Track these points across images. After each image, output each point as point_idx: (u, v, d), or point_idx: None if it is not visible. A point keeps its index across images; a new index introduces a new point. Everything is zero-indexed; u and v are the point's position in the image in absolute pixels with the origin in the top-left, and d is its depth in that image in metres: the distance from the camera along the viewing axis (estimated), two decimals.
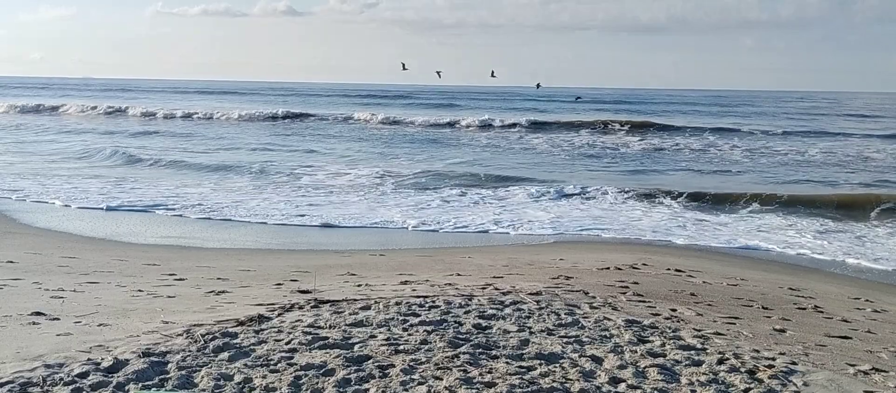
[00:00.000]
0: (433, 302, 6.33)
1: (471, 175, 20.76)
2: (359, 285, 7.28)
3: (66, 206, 15.18)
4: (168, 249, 11.13)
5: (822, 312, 7.20)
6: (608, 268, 9.01)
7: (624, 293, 7.16)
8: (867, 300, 8.31)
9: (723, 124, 39.53)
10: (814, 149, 28.95)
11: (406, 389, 4.36)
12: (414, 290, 6.93)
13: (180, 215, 14.37)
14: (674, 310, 6.57)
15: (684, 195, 17.76)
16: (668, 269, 9.25)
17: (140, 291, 7.00)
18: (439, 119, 41.63)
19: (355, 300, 6.38)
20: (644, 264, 9.55)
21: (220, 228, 13.18)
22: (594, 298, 6.82)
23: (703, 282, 8.41)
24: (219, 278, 8.00)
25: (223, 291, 6.95)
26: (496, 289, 6.99)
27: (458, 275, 8.26)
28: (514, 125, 38.56)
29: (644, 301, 6.85)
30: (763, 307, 7.11)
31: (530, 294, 6.76)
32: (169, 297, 6.69)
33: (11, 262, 8.83)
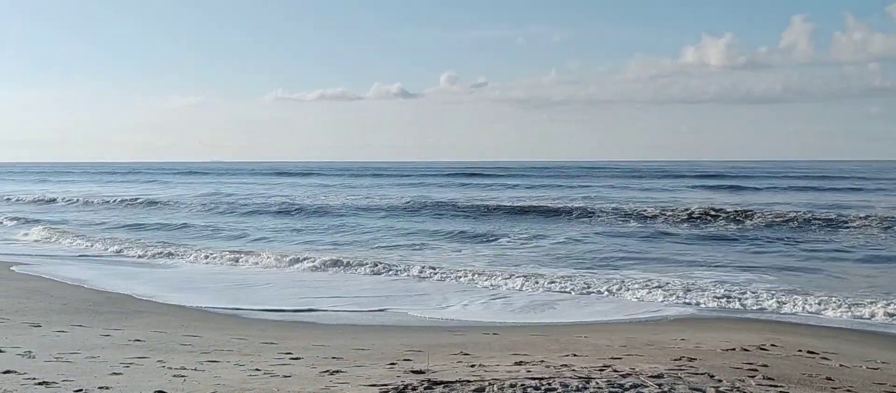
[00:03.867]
0: (549, 384, 6.11)
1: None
2: (472, 366, 7.14)
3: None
4: (284, 326, 11.33)
5: None
6: (734, 349, 8.55)
7: (752, 376, 6.73)
8: None
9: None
10: None
11: None
12: (528, 371, 6.73)
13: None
14: None
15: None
16: (800, 350, 8.69)
17: (257, 370, 7.08)
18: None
19: (469, 381, 6.24)
20: (773, 345, 9.01)
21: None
22: (720, 381, 6.43)
23: (840, 365, 7.83)
24: (334, 357, 8.03)
25: (337, 371, 6.94)
26: (615, 371, 6.71)
27: (575, 355, 8.00)
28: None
29: (775, 385, 6.41)
30: None
31: (651, 377, 6.45)
32: (285, 376, 6.73)
33: (138, 340, 9.15)
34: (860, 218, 25.86)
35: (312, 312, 13.01)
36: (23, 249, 22.63)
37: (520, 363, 7.24)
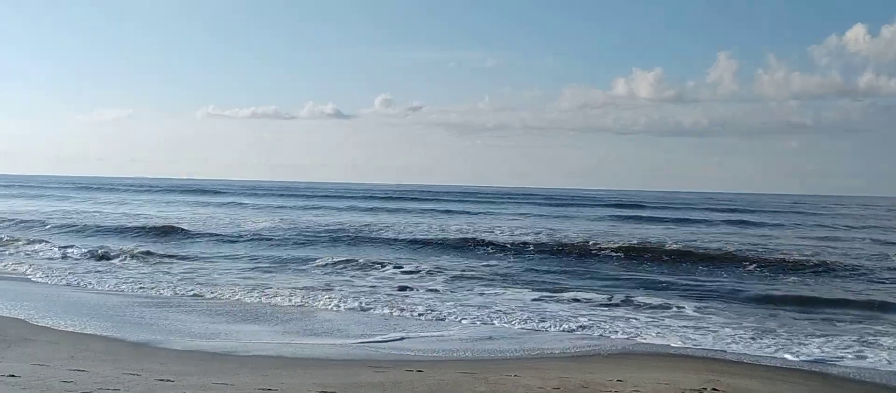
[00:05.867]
0: None
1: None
2: None
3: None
4: (191, 359, 10.26)
5: None
6: None
7: None
8: None
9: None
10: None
11: None
12: None
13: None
14: None
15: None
16: None
17: None
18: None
19: None
20: (714, 389, 8.43)
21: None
22: None
23: None
24: None
25: None
26: None
27: None
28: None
29: None
30: None
31: None
32: None
33: (13, 376, 8.04)
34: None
35: (228, 342, 11.88)
36: None
37: None
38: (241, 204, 57.62)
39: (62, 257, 23.26)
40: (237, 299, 16.27)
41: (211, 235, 31.22)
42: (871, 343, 12.63)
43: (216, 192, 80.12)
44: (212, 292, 16.97)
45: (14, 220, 35.76)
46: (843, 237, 35.52)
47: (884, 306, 16.32)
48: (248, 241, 29.35)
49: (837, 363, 11.34)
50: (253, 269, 21.56)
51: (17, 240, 27.29)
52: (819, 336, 13.15)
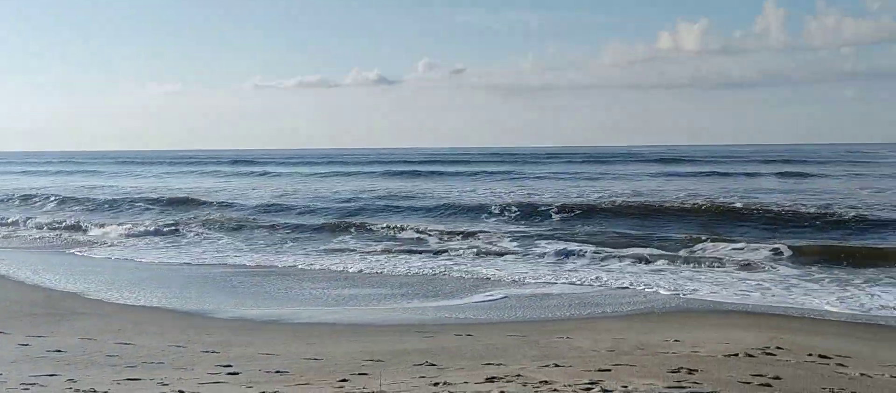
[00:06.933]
0: None
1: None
2: (436, 384, 6.06)
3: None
4: (240, 329, 10.17)
5: None
6: (737, 354, 7.52)
7: None
8: None
9: None
10: None
11: None
12: (502, 391, 5.66)
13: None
14: None
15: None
16: (811, 355, 7.68)
17: (180, 392, 5.97)
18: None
19: None
20: (779, 347, 8.00)
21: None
22: None
23: (860, 374, 6.82)
24: (278, 371, 6.93)
25: None
26: (604, 390, 5.66)
27: (556, 365, 6.94)
28: None
29: None
30: None
31: None
32: None
33: (59, 351, 8.01)
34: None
35: (275, 310, 11.77)
36: None
37: (491, 380, 6.16)
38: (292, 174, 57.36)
39: (124, 234, 23.34)
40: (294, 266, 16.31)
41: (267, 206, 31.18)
42: None
43: (257, 163, 79.32)
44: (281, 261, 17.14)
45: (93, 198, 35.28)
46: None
47: None
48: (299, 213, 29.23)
49: None
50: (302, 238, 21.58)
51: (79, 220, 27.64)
52: (885, 288, 12.60)
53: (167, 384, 6.30)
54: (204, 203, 30.69)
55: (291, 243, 20.29)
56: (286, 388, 6.10)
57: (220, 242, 20.94)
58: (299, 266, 16.50)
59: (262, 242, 20.79)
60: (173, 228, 23.53)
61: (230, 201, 31.12)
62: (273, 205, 29.66)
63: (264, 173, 55.45)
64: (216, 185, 43.09)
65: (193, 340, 9.04)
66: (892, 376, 6.82)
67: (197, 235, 22.19)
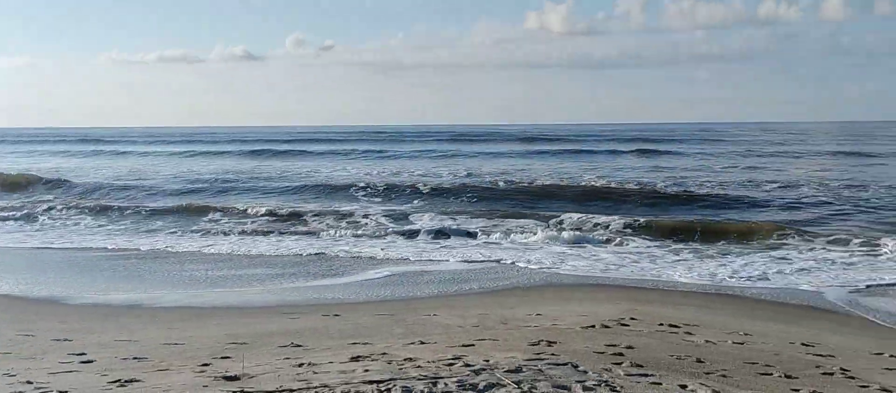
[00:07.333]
0: (388, 388, 5.09)
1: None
2: (300, 365, 6.00)
3: None
4: (97, 315, 9.74)
5: (852, 377, 6.08)
6: (594, 326, 7.83)
7: (619, 364, 5.97)
8: (892, 355, 7.23)
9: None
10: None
11: None
12: (366, 370, 5.67)
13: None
14: (684, 386, 5.39)
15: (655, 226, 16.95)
16: (661, 324, 8.10)
17: (28, 382, 5.66)
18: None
19: (292, 391, 5.12)
20: (632, 319, 8.39)
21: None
22: (585, 372, 5.62)
23: (706, 341, 7.25)
24: (135, 357, 6.69)
25: (132, 381, 5.64)
26: (466, 365, 5.76)
27: (422, 342, 7.03)
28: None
29: (646, 375, 5.66)
30: (785, 376, 5.96)
31: (508, 371, 5.55)
32: (59, 392, 5.38)
33: None
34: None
35: (134, 295, 11.33)
36: None
37: (357, 359, 6.16)
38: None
39: None
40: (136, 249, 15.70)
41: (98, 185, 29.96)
42: (778, 262, 13.09)
43: (115, 141, 75.73)
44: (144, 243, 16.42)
45: None
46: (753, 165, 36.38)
47: (781, 228, 16.68)
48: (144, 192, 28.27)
49: (751, 287, 11.63)
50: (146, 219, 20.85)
51: None
52: (733, 259, 13.47)
53: (14, 374, 5.96)
54: (61, 182, 29.19)
55: (156, 225, 19.62)
56: (144, 374, 5.89)
57: (79, 225, 19.98)
58: (164, 248, 15.94)
59: (123, 224, 20.00)
60: (25, 211, 22.20)
61: (84, 181, 29.72)
62: (133, 186, 28.51)
63: (123, 153, 53.15)
64: (72, 165, 41.02)
65: (44, 328, 8.59)
66: (734, 343, 7.29)
67: (51, 218, 21.02)
